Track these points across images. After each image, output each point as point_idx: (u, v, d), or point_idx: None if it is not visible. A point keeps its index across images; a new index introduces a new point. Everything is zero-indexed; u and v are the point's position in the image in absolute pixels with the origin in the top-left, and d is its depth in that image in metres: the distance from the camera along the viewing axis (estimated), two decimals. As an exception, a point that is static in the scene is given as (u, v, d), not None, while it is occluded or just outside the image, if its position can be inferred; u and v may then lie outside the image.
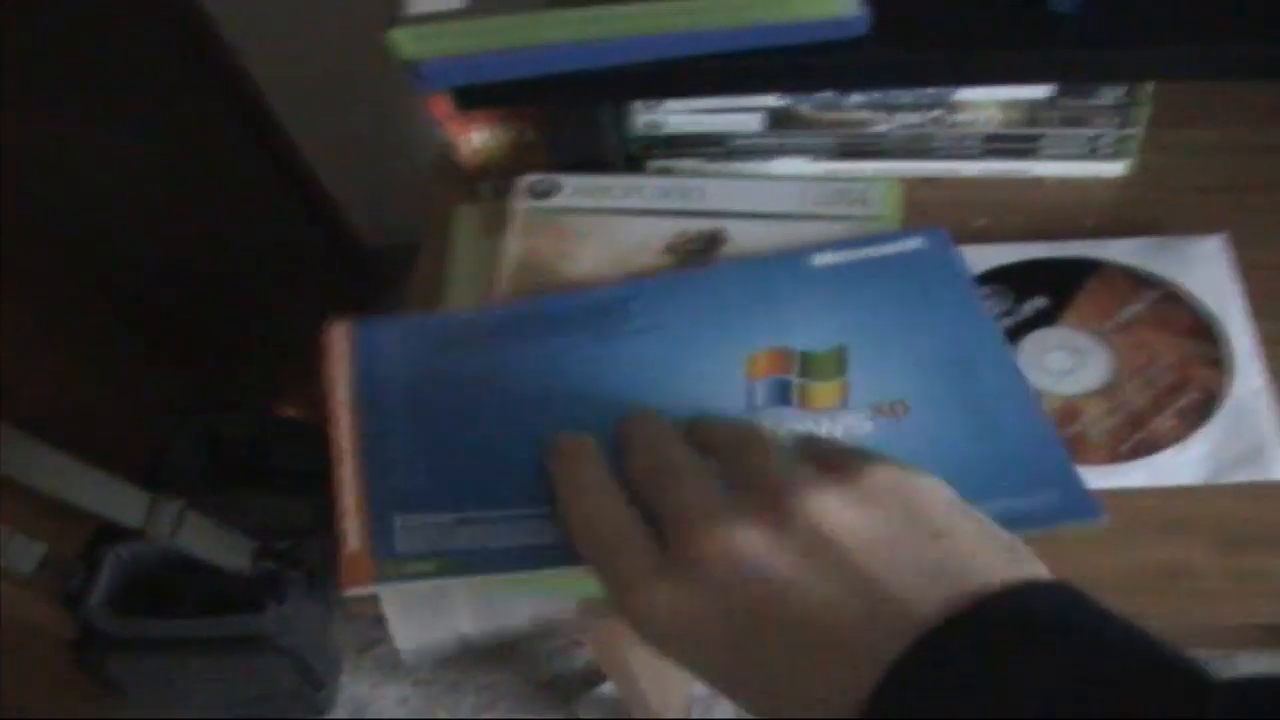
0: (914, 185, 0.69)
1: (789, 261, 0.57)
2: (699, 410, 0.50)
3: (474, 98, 0.64)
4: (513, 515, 0.49)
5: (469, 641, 0.50)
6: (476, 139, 0.74)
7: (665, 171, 0.74)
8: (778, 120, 0.70)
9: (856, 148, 0.71)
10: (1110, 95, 0.66)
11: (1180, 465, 0.60)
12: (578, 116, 0.69)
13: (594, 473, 0.43)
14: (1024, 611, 0.32)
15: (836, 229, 0.62)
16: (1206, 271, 0.66)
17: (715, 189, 0.66)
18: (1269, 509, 0.58)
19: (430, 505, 0.50)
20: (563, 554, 0.47)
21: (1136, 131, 0.69)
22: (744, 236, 0.64)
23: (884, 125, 0.69)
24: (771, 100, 0.69)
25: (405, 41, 0.60)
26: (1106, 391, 0.62)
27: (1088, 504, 0.48)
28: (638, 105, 0.70)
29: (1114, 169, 0.71)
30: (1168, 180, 0.71)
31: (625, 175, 0.68)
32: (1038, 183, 0.72)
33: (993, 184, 0.72)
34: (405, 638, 0.51)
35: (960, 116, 0.68)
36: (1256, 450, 0.60)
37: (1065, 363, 0.64)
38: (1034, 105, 0.67)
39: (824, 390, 0.52)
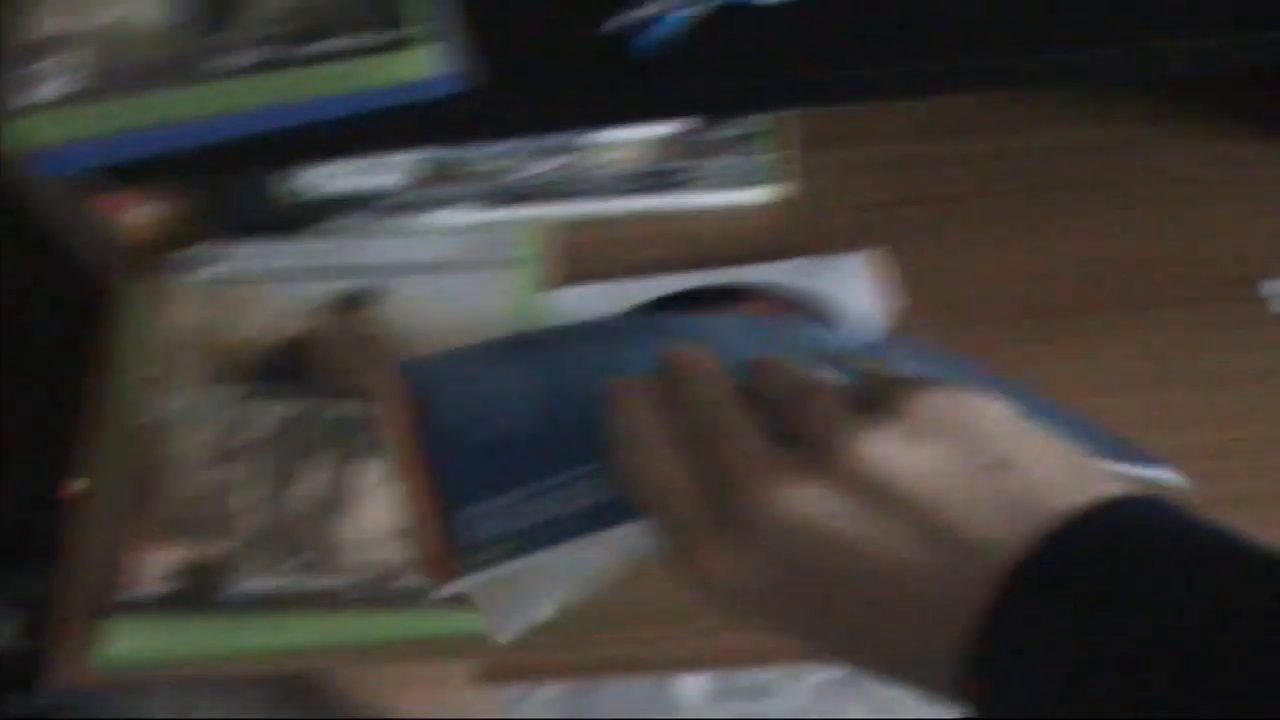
0: (577, 225, 0.72)
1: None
2: None
3: (117, 177, 0.63)
4: (576, 476, 0.51)
5: (559, 609, 0.53)
6: (136, 215, 0.74)
7: (334, 231, 0.74)
8: (422, 175, 0.70)
9: (513, 194, 0.71)
10: (735, 127, 0.67)
11: None
12: (238, 184, 0.69)
13: (648, 421, 0.40)
14: (1107, 534, 0.30)
15: (486, 276, 0.65)
16: (854, 289, 0.68)
17: (372, 247, 0.70)
18: None
19: (496, 489, 0.52)
20: (631, 507, 0.47)
21: (776, 158, 0.71)
22: (404, 290, 0.68)
23: (526, 171, 0.69)
24: (413, 156, 0.69)
25: (34, 129, 0.59)
26: None
27: None
28: (291, 169, 0.70)
29: (768, 194, 0.72)
30: (823, 200, 0.74)
31: (287, 239, 0.70)
32: (698, 214, 0.73)
33: (654, 218, 0.73)
34: (500, 629, 0.53)
35: (599, 157, 0.68)
36: None
37: None
38: (666, 142, 0.68)
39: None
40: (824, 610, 0.34)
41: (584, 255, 0.70)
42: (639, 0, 0.59)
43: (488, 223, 0.72)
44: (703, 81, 0.60)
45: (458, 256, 0.68)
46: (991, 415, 0.34)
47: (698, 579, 0.36)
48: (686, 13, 0.58)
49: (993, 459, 0.33)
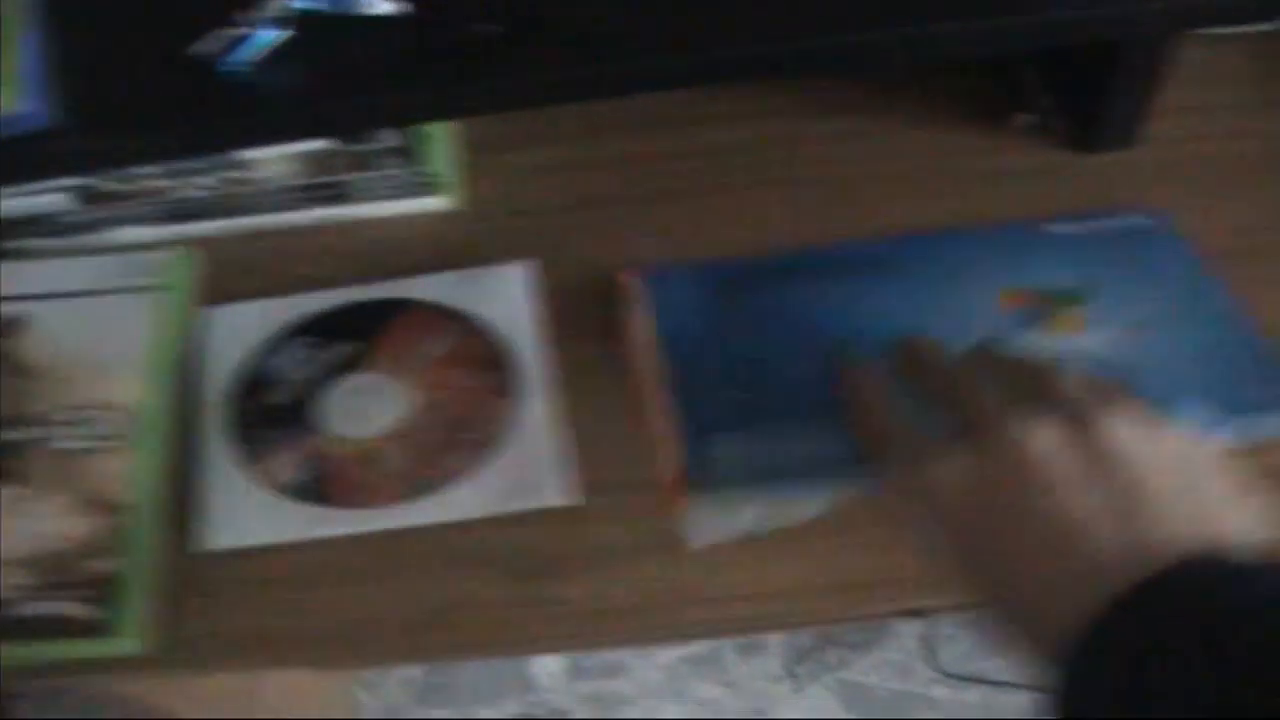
0: (237, 241, 0.72)
1: (1027, 227, 0.67)
2: (954, 338, 0.56)
3: None
4: (807, 429, 0.57)
5: (754, 535, 0.56)
6: None
7: (20, 253, 0.74)
8: (86, 196, 0.70)
9: (177, 212, 0.71)
10: (387, 139, 0.67)
11: (468, 498, 0.60)
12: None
13: (883, 387, 0.51)
14: (1223, 579, 0.34)
15: (133, 301, 0.67)
16: (507, 300, 0.67)
17: (21, 272, 0.69)
18: (551, 535, 0.59)
19: (734, 425, 0.58)
20: (855, 459, 0.54)
21: (439, 167, 0.70)
22: (39, 318, 0.67)
23: (185, 190, 0.69)
24: (67, 180, 0.69)
25: None
26: (403, 432, 0.63)
27: None
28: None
29: (437, 203, 0.72)
30: (490, 208, 0.73)
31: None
32: (361, 226, 0.72)
33: (316, 232, 0.72)
34: (698, 538, 0.57)
35: (254, 174, 0.68)
36: (538, 478, 0.61)
37: (367, 406, 0.64)
38: (317, 155, 0.67)
39: (1068, 318, 0.62)
40: (1003, 532, 0.40)
41: (244, 272, 0.70)
42: (229, 19, 0.57)
43: (148, 241, 0.71)
44: (304, 100, 0.59)
45: (109, 279, 0.68)
46: (1205, 452, 0.41)
47: (928, 484, 0.43)
48: (274, 32, 0.58)
49: (1190, 479, 0.39)
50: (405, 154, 0.67)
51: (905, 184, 0.72)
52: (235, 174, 0.68)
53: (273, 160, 0.67)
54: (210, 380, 0.65)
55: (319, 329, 0.67)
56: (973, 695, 1.35)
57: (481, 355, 0.65)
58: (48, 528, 0.60)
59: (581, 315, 0.67)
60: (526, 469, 0.61)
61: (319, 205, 0.71)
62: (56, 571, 0.59)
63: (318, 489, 0.61)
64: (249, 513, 0.60)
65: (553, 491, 0.60)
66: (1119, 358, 0.60)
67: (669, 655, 1.38)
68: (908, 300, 0.63)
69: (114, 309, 0.67)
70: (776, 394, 0.60)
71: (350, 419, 0.64)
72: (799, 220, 0.70)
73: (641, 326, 0.63)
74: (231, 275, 0.70)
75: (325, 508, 0.60)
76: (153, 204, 0.70)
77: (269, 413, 0.64)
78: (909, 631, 1.38)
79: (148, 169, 0.67)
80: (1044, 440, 0.40)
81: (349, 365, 0.65)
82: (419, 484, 0.61)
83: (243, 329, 0.67)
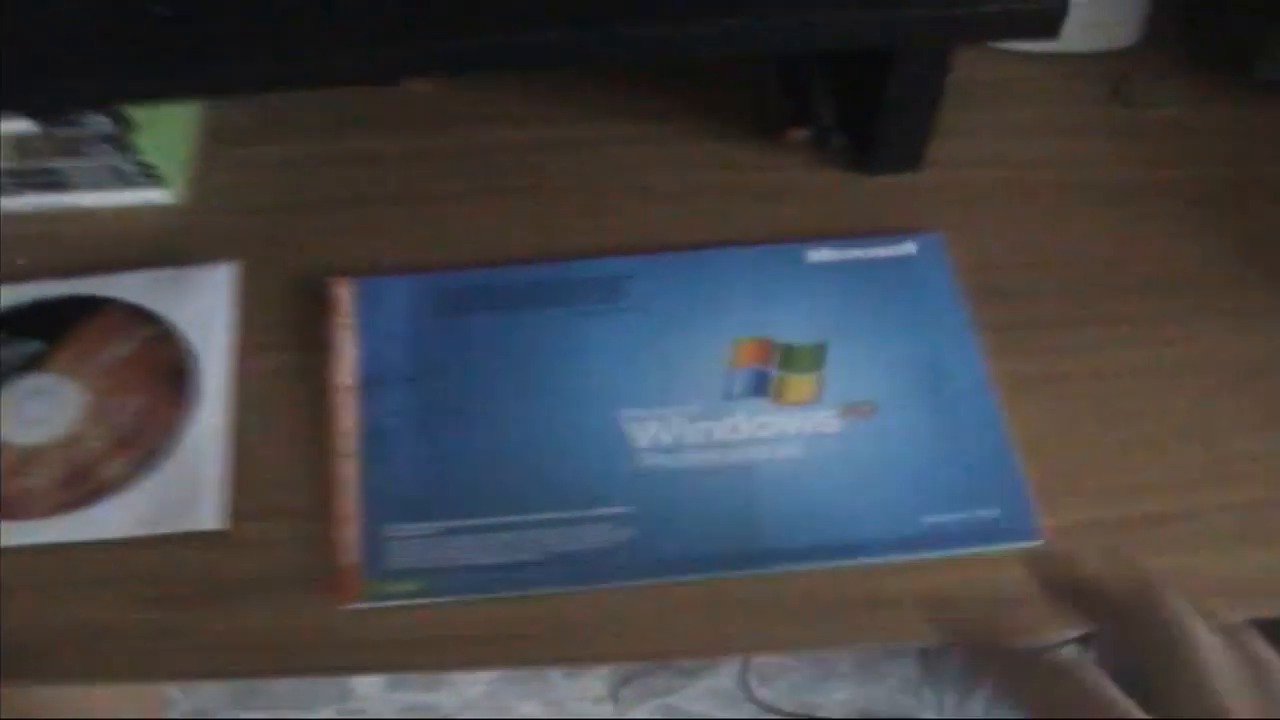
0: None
1: (784, 253, 0.62)
2: (679, 390, 0.58)
3: None
4: (500, 525, 0.55)
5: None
6: None
7: None
8: None
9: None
10: (97, 124, 0.61)
11: (116, 516, 0.57)
12: None
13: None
14: None
15: None
16: (204, 304, 0.63)
17: None
18: (198, 561, 0.56)
19: (421, 513, 0.55)
20: (547, 573, 0.53)
21: (161, 155, 0.66)
22: None
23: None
24: None
25: None
26: (68, 440, 0.59)
27: (1025, 527, 0.54)
28: None
29: (159, 196, 0.67)
30: (220, 203, 0.68)
31: None
32: (89, 214, 0.67)
33: (41, 218, 0.67)
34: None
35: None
36: (193, 498, 0.57)
37: (40, 409, 0.60)
38: (23, 140, 0.62)
39: (800, 384, 0.59)
40: None
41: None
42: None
43: None
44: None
45: None
46: None
47: None
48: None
49: None
50: (116, 141, 0.61)
51: (663, 197, 0.68)
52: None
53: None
54: None
55: (5, 325, 0.62)
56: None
57: (166, 362, 0.61)
58: None
59: (285, 324, 0.62)
60: (182, 488, 0.57)
61: (32, 191, 0.65)
62: None
63: None
64: None
65: (205, 515, 0.56)
66: (841, 442, 0.57)
67: (491, 673, 1.34)
68: (632, 338, 0.60)
69: None
70: (471, 473, 0.57)
71: (18, 423, 0.59)
72: (541, 231, 0.66)
73: (345, 353, 0.60)
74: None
75: None
76: None
77: None
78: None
79: None
80: None
81: (29, 365, 0.61)
82: (77, 496, 0.57)
83: None
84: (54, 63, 0.54)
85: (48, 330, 0.62)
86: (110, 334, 0.62)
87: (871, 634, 0.53)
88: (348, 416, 0.58)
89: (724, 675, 1.33)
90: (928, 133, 0.65)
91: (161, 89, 0.56)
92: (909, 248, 0.63)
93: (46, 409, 0.59)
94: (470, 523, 0.55)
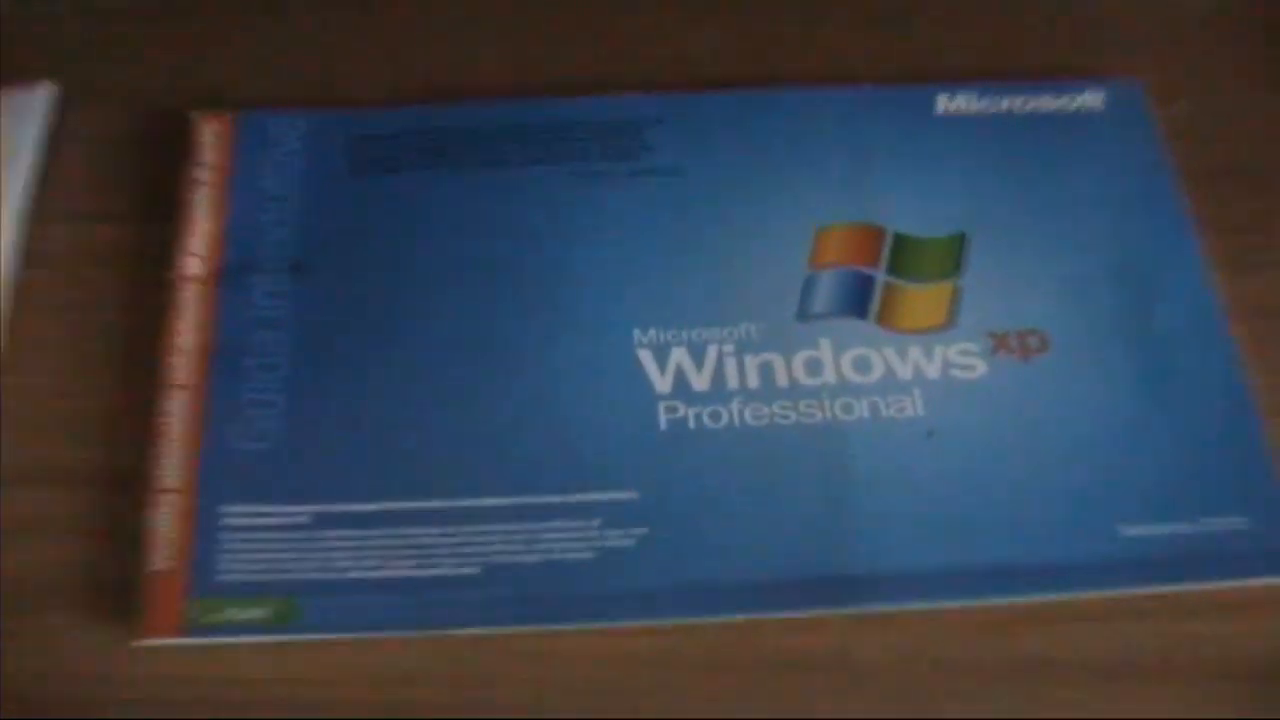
0: None
1: (901, 98, 0.43)
2: (726, 301, 0.38)
3: None
4: (412, 512, 0.35)
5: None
6: None
7: None
8: None
9: None
10: None
11: None
12: None
13: None
14: None
15: None
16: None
17: None
18: None
19: (289, 489, 0.35)
20: (488, 600, 0.33)
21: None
22: None
23: None
24: None
25: None
26: None
27: None
28: None
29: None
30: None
31: None
32: None
33: None
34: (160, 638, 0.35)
35: None
36: None
37: None
38: None
39: (922, 299, 0.39)
40: None
41: None
42: None
43: None
44: None
45: None
46: None
47: None
48: None
49: None
50: None
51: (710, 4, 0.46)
52: None
53: None
54: None
55: None
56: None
57: None
58: None
59: (115, 175, 0.43)
60: None
61: None
62: None
63: None
64: None
65: None
66: (988, 395, 0.37)
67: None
68: (663, 215, 0.40)
69: None
70: (383, 413, 0.36)
71: None
72: (519, 51, 0.45)
73: (200, 209, 0.40)
74: None
75: None
76: None
77: None
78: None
79: None
80: None
81: None
82: None
83: None
84: None
85: None
86: None
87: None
88: (190, 327, 0.37)
89: None
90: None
91: None
92: (1094, 98, 0.43)
93: None
94: (367, 508, 0.34)
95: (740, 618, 0.34)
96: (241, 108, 0.43)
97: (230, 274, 0.39)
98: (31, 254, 0.41)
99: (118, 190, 0.43)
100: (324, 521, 0.34)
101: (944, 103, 0.43)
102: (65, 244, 0.41)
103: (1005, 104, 0.43)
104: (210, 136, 0.41)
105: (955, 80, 0.44)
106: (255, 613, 0.33)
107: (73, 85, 0.45)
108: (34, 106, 0.44)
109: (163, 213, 0.41)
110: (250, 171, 0.41)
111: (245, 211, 0.40)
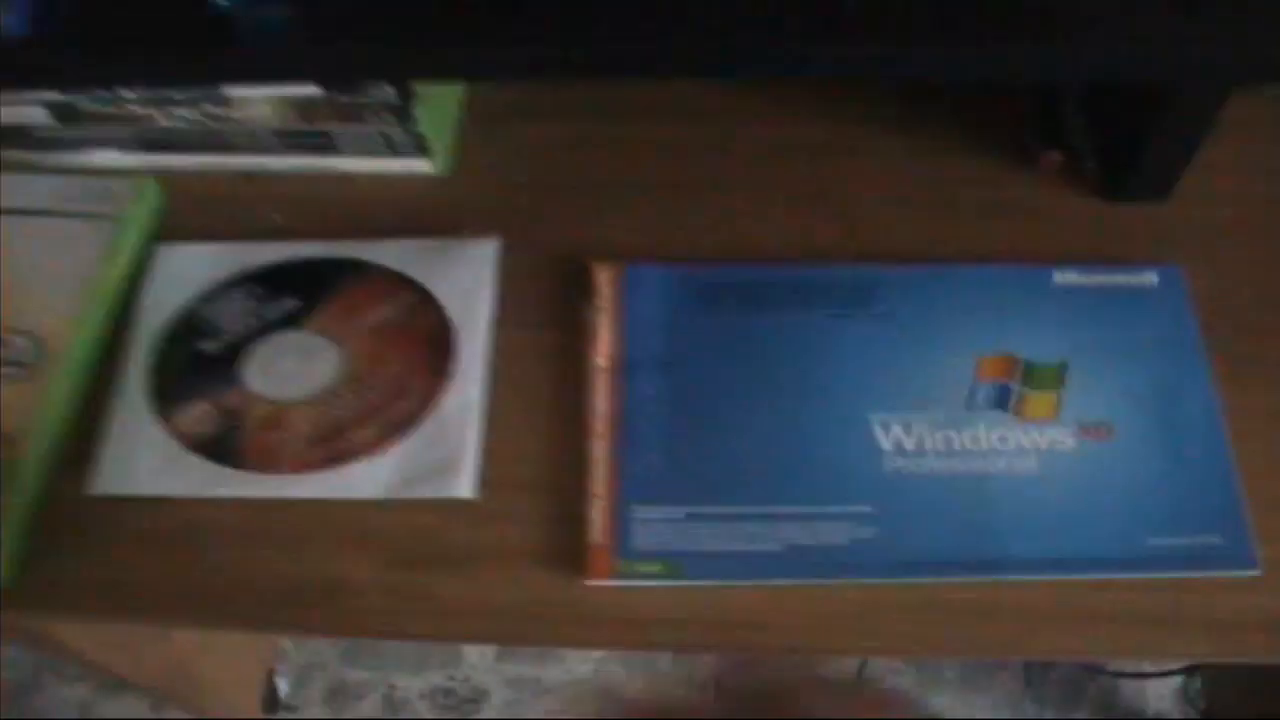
0: (213, 177, 0.70)
1: (1033, 274, 0.64)
2: (923, 398, 0.60)
3: None
4: (743, 514, 0.57)
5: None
6: None
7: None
8: (63, 114, 0.68)
9: (158, 141, 0.69)
10: (381, 93, 0.64)
11: (368, 478, 0.58)
12: None
13: None
14: None
15: (85, 227, 0.63)
16: (468, 277, 0.65)
17: None
18: (444, 527, 0.58)
19: (668, 497, 0.57)
20: (788, 565, 0.55)
21: (433, 128, 0.68)
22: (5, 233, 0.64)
23: (163, 120, 0.67)
24: (48, 94, 0.66)
25: None
26: (324, 399, 0.61)
27: (1244, 555, 0.56)
28: None
29: (422, 166, 0.70)
30: (480, 178, 0.71)
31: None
32: (349, 179, 0.70)
33: (301, 179, 0.70)
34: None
35: (236, 113, 0.66)
36: (447, 467, 0.58)
37: (296, 367, 0.62)
38: (306, 102, 0.65)
39: (1041, 401, 0.60)
40: None
41: (209, 210, 0.69)
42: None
43: (117, 167, 0.70)
44: (304, 45, 0.58)
45: (65, 201, 0.66)
46: None
47: None
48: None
49: None
50: (397, 111, 0.64)
51: (912, 209, 0.69)
52: (216, 110, 0.65)
53: (257, 101, 0.65)
54: (145, 319, 0.63)
55: (267, 281, 0.64)
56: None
57: (426, 330, 0.63)
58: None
59: (543, 302, 0.65)
60: (436, 456, 0.59)
61: (298, 153, 0.69)
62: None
63: (224, 447, 0.59)
64: (148, 462, 0.58)
65: (459, 484, 0.58)
66: (1076, 460, 0.59)
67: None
68: (884, 343, 0.62)
69: (63, 233, 0.65)
70: (717, 464, 0.59)
71: (275, 378, 0.61)
72: (795, 231, 0.68)
73: (606, 337, 0.62)
74: (195, 212, 0.69)
75: (227, 467, 0.58)
76: (129, 130, 0.68)
77: (195, 361, 0.61)
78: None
79: (128, 93, 0.64)
80: None
81: (288, 322, 0.63)
82: (326, 455, 0.59)
83: (191, 271, 0.65)
84: (378, 35, 0.57)
85: (309, 289, 0.64)
86: (372, 298, 0.64)
87: (1091, 646, 0.56)
88: (603, 397, 0.60)
89: (832, 673, 1.34)
90: (1185, 165, 0.66)
91: (478, 66, 0.59)
92: (1150, 277, 0.65)
93: (302, 366, 0.61)
94: (715, 510, 0.57)
95: (928, 581, 0.56)
96: (626, 259, 0.65)
97: (626, 368, 0.61)
98: (497, 348, 0.63)
99: (544, 309, 0.65)
100: (692, 517, 0.57)
101: (1059, 276, 0.65)
102: (518, 342, 0.63)
103: (1097, 279, 0.65)
104: (604, 278, 0.64)
105: (1067, 261, 0.65)
106: (655, 568, 0.56)
107: (510, 238, 0.67)
108: (489, 252, 0.66)
109: (574, 326, 0.63)
110: (633, 303, 0.63)
111: (630, 328, 0.62)
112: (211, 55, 0.57)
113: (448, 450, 0.59)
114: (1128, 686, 1.32)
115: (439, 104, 0.69)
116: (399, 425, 0.60)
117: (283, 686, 1.30)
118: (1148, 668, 1.32)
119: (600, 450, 0.58)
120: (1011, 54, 0.57)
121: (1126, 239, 0.67)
